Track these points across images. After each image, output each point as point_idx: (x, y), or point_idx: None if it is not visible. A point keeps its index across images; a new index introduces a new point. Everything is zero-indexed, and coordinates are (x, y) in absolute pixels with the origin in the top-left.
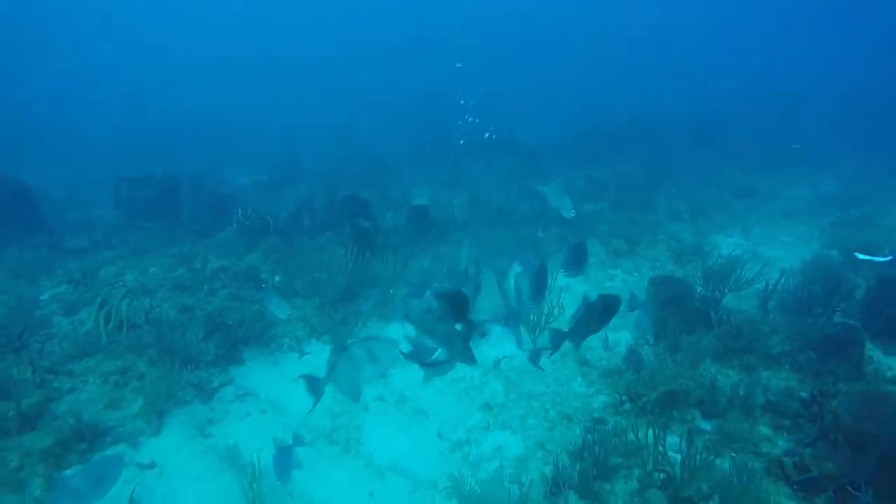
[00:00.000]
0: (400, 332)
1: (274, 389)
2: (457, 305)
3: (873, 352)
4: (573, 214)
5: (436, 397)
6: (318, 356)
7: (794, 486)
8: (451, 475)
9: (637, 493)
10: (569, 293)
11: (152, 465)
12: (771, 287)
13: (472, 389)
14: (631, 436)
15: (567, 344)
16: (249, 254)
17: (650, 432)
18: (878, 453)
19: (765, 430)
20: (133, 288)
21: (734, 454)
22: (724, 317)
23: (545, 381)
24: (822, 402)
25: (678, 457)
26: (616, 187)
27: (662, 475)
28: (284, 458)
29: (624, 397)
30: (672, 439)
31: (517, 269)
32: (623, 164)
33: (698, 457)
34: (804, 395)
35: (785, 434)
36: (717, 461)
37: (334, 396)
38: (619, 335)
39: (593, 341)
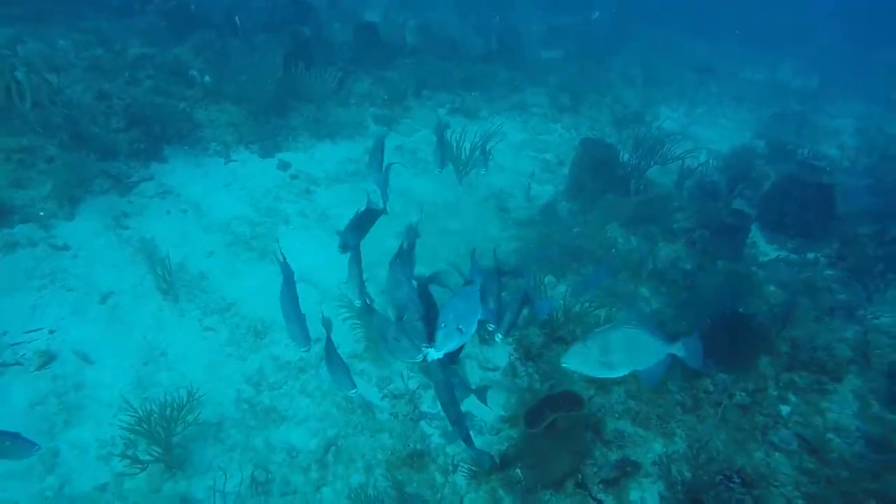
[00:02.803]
0: (331, 152)
1: (196, 192)
2: None
3: (758, 238)
4: None
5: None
6: (244, 165)
7: None
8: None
9: (520, 328)
10: (505, 141)
11: (65, 247)
12: (693, 168)
13: (391, 217)
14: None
15: (491, 188)
16: (178, 46)
17: (546, 279)
18: (710, 321)
19: (645, 291)
20: (35, 62)
21: (613, 308)
22: (642, 187)
23: (462, 220)
24: (697, 273)
25: (561, 303)
26: (576, 39)
27: (544, 316)
28: None
29: (532, 247)
30: (561, 288)
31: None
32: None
33: (578, 306)
34: (687, 266)
35: (661, 297)
36: (597, 312)
37: (258, 207)
38: (543, 189)
39: (516, 190)
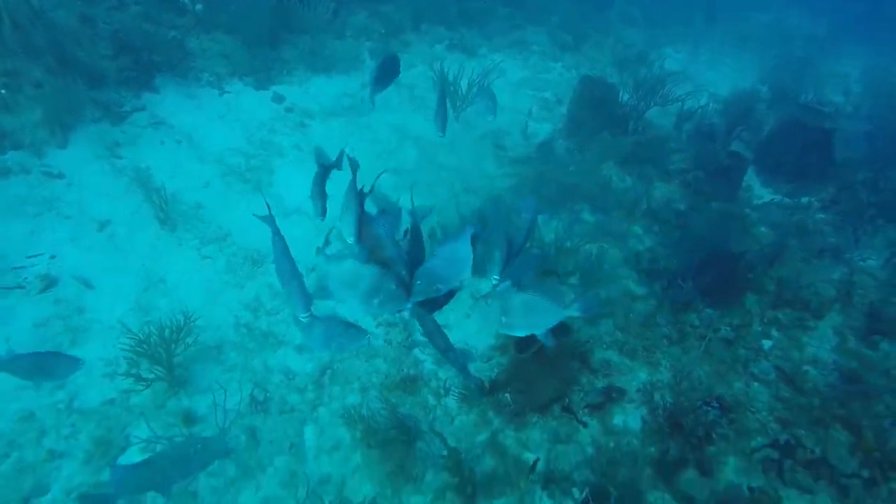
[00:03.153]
0: (326, 85)
1: (190, 122)
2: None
3: (754, 182)
4: None
5: (352, 154)
6: (238, 96)
7: (641, 273)
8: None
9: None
10: (503, 79)
11: (59, 175)
12: (692, 110)
13: (386, 153)
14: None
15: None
16: None
17: (540, 216)
18: (700, 259)
19: (638, 229)
20: None
21: (604, 244)
22: (641, 128)
23: (458, 156)
24: (690, 213)
25: (552, 237)
26: None
27: (537, 251)
28: None
29: (526, 184)
30: (555, 223)
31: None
32: None
33: (569, 242)
34: (681, 207)
35: (653, 235)
36: (588, 247)
37: (252, 139)
38: (540, 127)
39: (513, 128)
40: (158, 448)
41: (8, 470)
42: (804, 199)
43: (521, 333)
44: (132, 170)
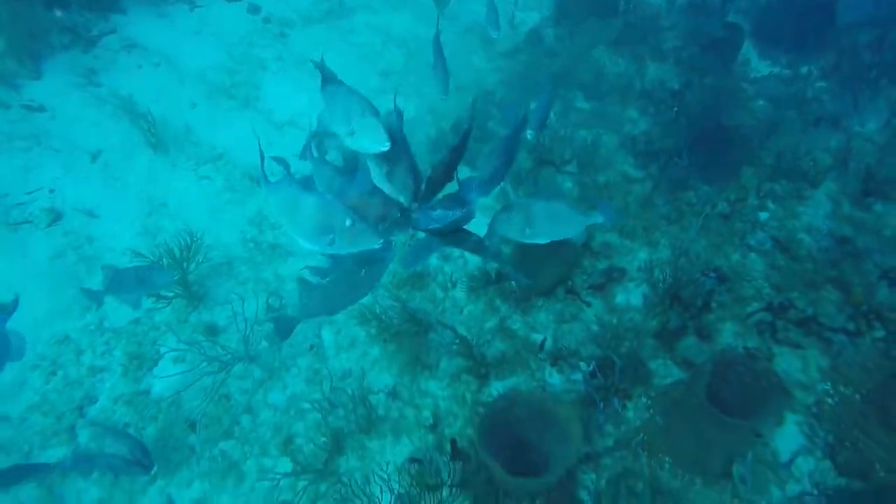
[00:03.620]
0: None
1: (164, 42)
2: None
3: (751, 53)
4: None
5: (336, 59)
6: (211, 10)
7: (638, 157)
8: None
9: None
10: None
11: (41, 108)
12: None
13: (372, 55)
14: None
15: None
16: None
17: (533, 105)
18: (695, 132)
19: (633, 113)
20: None
21: (601, 130)
22: (632, 7)
23: (447, 52)
24: (684, 91)
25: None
26: None
27: (532, 141)
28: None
29: (517, 76)
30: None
31: None
32: None
33: (563, 130)
34: (675, 86)
35: (648, 118)
36: (583, 133)
37: (231, 53)
38: (527, 16)
39: (500, 19)
40: (189, 358)
41: (59, 385)
42: (804, 69)
43: (545, 240)
44: (114, 97)
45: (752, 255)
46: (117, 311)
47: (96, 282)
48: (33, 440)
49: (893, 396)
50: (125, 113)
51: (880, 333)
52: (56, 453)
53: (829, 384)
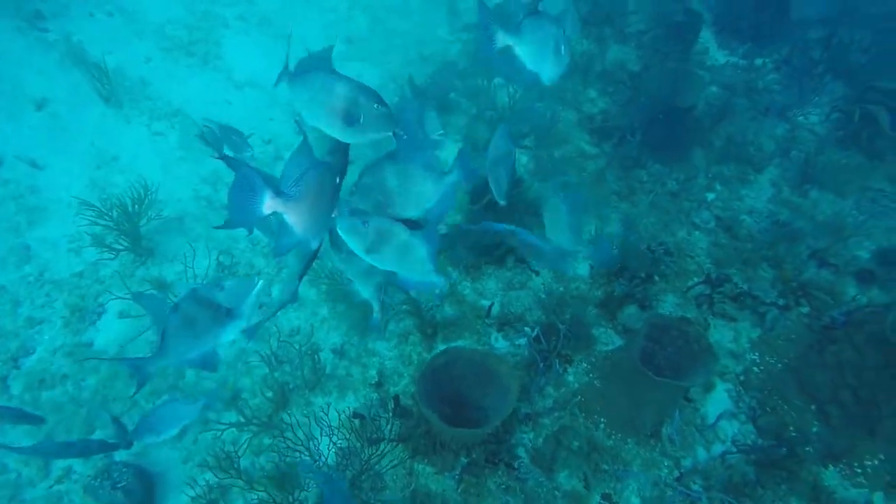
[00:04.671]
0: None
1: None
2: None
3: (710, 43)
4: None
5: (300, 24)
6: None
7: (594, 134)
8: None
9: (467, 126)
10: None
11: None
12: None
13: (338, 21)
14: (476, 81)
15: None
16: None
17: (497, 79)
18: (650, 113)
19: (593, 93)
20: None
21: (559, 106)
22: None
23: (412, 21)
24: (643, 73)
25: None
26: None
27: (491, 113)
28: None
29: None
30: (510, 88)
31: None
32: None
33: (521, 102)
34: (635, 68)
35: (607, 97)
36: (540, 106)
37: (192, 10)
38: None
39: None
40: (134, 313)
41: None
42: (759, 61)
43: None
44: (63, 44)
45: (697, 232)
46: (58, 264)
47: (39, 232)
48: None
49: (810, 365)
50: (75, 62)
51: (805, 309)
52: None
53: (756, 354)
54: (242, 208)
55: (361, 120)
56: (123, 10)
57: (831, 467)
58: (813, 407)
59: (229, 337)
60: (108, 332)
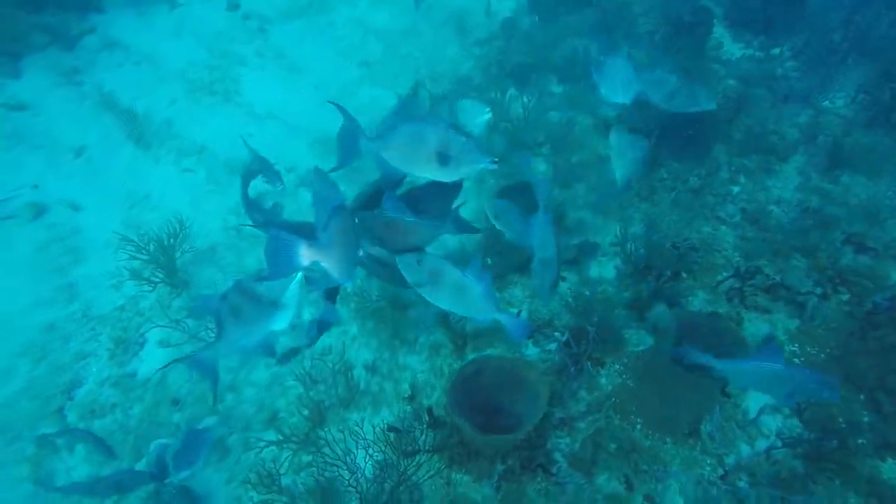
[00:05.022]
0: None
1: (145, 42)
2: None
3: (724, 37)
4: None
5: (315, 54)
6: (191, 8)
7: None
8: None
9: (484, 137)
10: None
11: (22, 107)
12: None
13: (351, 48)
14: (491, 94)
15: (449, 11)
16: None
17: (510, 91)
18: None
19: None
20: None
21: (575, 112)
22: None
23: (423, 43)
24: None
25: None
26: None
27: (507, 125)
28: None
29: (492, 62)
30: (524, 99)
31: None
32: None
33: (534, 112)
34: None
35: None
36: (556, 115)
37: (211, 50)
38: (504, 4)
39: (476, 8)
40: (174, 342)
41: (46, 370)
42: (776, 51)
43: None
44: (95, 94)
45: (723, 227)
46: (100, 300)
47: (82, 270)
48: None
49: (852, 353)
50: (107, 109)
51: (845, 296)
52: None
53: (796, 345)
54: (282, 264)
55: (455, 158)
56: (149, 57)
57: (889, 459)
58: (861, 396)
59: (280, 325)
60: (151, 361)
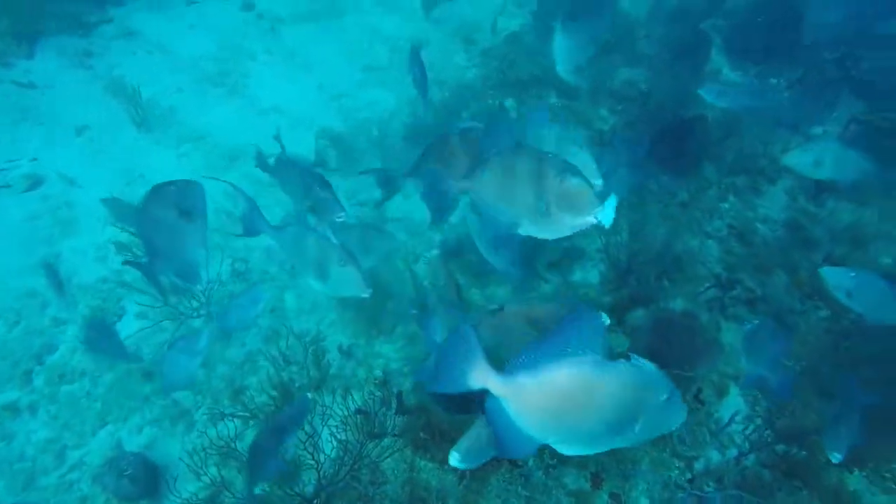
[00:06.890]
0: None
1: (160, 33)
2: None
3: (723, 65)
4: None
5: (324, 56)
6: (206, 4)
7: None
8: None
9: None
10: None
11: (32, 85)
12: None
13: (358, 52)
14: (489, 101)
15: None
16: None
17: (509, 101)
18: (658, 126)
19: (603, 111)
20: None
21: (571, 125)
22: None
23: (430, 52)
24: (652, 91)
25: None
26: None
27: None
28: None
29: (494, 73)
30: (523, 110)
31: None
32: None
33: None
34: (643, 87)
35: (617, 115)
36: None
37: (222, 44)
38: (511, 23)
39: (484, 24)
40: (152, 314)
41: (20, 333)
42: (773, 80)
43: None
44: (104, 78)
45: (710, 241)
46: (85, 270)
47: (71, 242)
48: None
49: (826, 365)
50: (113, 93)
51: (824, 313)
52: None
53: None
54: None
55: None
56: (162, 48)
57: (857, 471)
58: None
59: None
60: (127, 331)
